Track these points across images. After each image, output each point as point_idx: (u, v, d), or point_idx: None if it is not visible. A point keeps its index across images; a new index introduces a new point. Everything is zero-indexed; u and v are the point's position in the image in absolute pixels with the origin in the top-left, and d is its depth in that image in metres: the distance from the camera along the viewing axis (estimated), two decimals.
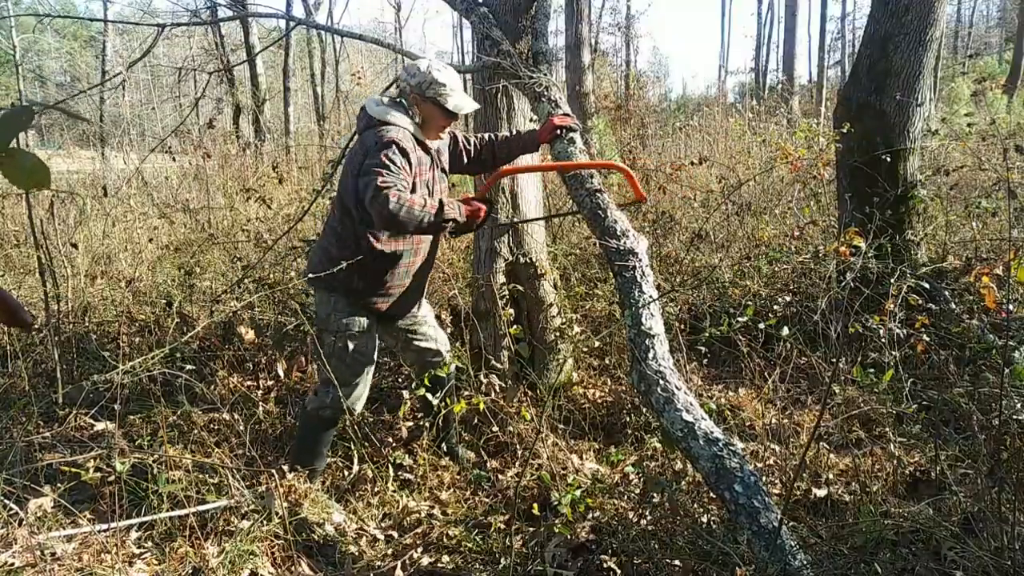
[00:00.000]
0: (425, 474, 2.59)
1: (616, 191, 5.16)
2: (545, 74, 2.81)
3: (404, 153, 2.18)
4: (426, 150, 2.34)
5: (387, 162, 2.13)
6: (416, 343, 2.63)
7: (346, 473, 2.66)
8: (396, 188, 2.07)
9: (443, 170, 2.46)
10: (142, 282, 4.24)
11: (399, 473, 2.63)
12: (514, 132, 2.64)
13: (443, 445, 2.74)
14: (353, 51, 18.15)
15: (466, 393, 2.77)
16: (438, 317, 3.51)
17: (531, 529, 2.27)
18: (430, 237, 2.45)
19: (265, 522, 2.15)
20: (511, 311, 3.07)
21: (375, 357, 2.49)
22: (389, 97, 2.35)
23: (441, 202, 2.15)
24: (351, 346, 2.37)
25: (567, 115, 2.60)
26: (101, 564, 1.95)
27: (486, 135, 2.63)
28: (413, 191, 2.23)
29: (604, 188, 2.39)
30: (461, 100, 2.32)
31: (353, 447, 2.65)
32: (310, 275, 2.37)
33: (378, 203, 2.06)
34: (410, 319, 2.59)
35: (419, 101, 2.29)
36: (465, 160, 2.61)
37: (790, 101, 11.43)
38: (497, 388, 2.85)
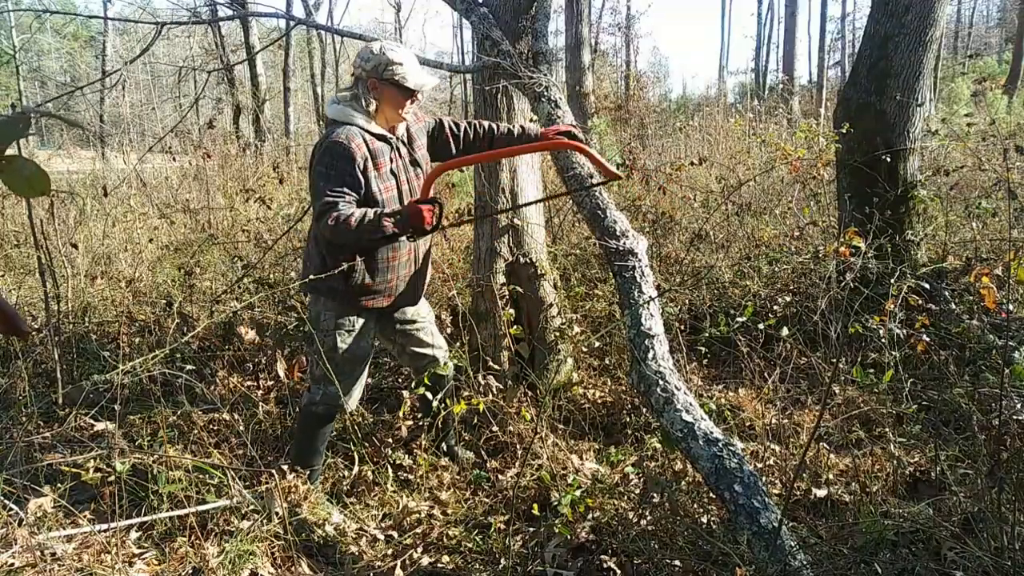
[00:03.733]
0: (425, 474, 2.59)
1: (616, 191, 5.16)
2: (545, 74, 2.81)
3: (347, 156, 2.13)
4: (384, 140, 2.27)
5: (328, 173, 2.13)
6: (412, 348, 2.60)
7: (346, 474, 2.66)
8: (337, 207, 2.09)
9: (414, 161, 2.38)
10: (142, 282, 4.24)
11: (399, 473, 2.63)
12: (516, 128, 2.56)
13: (442, 445, 2.74)
14: (353, 51, 18.13)
15: (466, 393, 2.77)
16: (438, 318, 3.51)
17: (531, 529, 2.27)
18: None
19: (265, 522, 2.15)
20: (511, 311, 3.07)
21: (368, 356, 2.47)
22: (349, 91, 2.29)
23: (379, 216, 2.10)
24: (341, 346, 2.36)
25: (573, 125, 2.53)
26: (101, 564, 1.95)
27: (485, 123, 2.56)
28: (368, 189, 2.20)
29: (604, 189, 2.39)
30: (420, 77, 2.26)
31: (353, 447, 2.65)
32: (301, 280, 2.35)
33: (320, 223, 2.11)
34: (407, 322, 2.56)
35: (376, 85, 2.23)
36: (454, 149, 2.53)
37: (790, 101, 11.44)
38: (495, 389, 2.85)
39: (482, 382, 2.84)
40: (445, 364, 2.67)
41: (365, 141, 2.20)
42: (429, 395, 2.59)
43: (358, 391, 2.50)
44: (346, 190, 2.14)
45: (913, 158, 3.60)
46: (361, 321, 2.39)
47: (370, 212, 2.12)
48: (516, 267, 3.14)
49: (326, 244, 2.28)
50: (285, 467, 2.39)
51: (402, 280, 2.40)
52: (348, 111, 2.23)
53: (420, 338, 2.60)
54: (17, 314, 0.79)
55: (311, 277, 2.23)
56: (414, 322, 2.57)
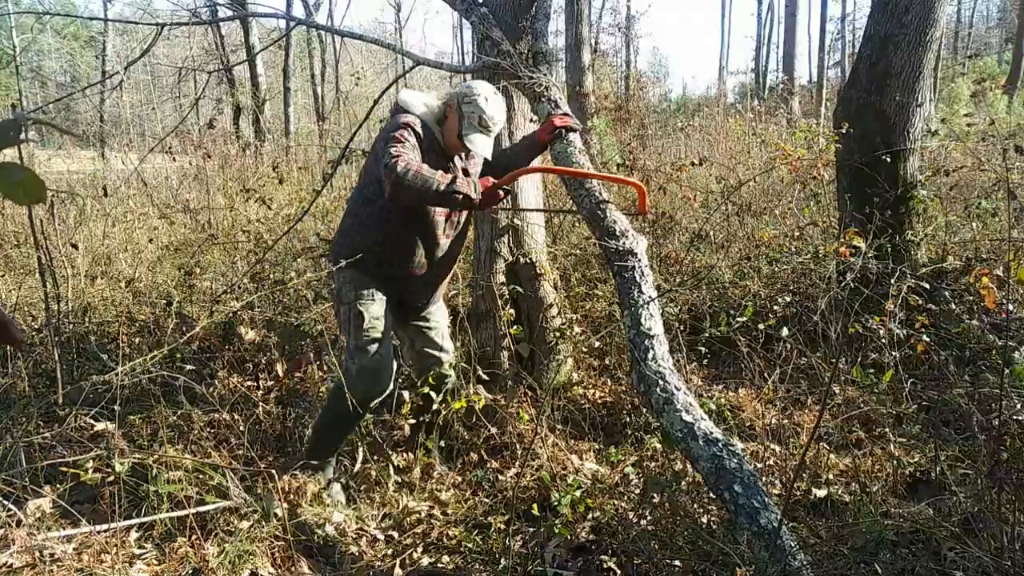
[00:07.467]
0: (425, 475, 2.59)
1: (616, 191, 5.16)
2: (545, 74, 2.81)
3: (416, 135, 2.29)
4: (441, 153, 2.40)
5: (400, 138, 2.24)
6: (421, 347, 2.65)
7: (347, 470, 2.66)
8: (405, 156, 2.18)
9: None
10: (142, 282, 4.24)
11: (399, 474, 2.63)
12: (517, 138, 2.67)
13: (426, 444, 2.72)
14: (353, 51, 18.13)
15: (465, 393, 2.77)
16: None
17: (531, 529, 2.27)
18: (445, 226, 2.46)
19: (265, 522, 2.15)
20: (511, 311, 3.07)
21: (390, 329, 2.47)
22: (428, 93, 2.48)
23: (454, 175, 2.21)
24: (364, 314, 2.39)
25: (567, 115, 2.60)
26: (101, 564, 1.95)
27: (509, 151, 2.69)
28: None
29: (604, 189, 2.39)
30: (478, 136, 2.35)
31: (357, 444, 2.65)
32: (331, 253, 2.49)
33: (387, 169, 2.16)
34: (421, 319, 2.61)
35: (453, 108, 2.38)
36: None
37: (790, 101, 11.43)
38: (495, 390, 2.85)
39: (484, 381, 2.84)
40: (450, 366, 2.69)
41: (425, 133, 2.35)
42: (433, 394, 2.60)
43: (391, 367, 2.47)
44: (412, 148, 2.27)
45: (913, 158, 3.59)
46: (379, 295, 2.43)
47: (440, 172, 2.23)
48: (516, 267, 3.14)
49: (375, 224, 2.38)
50: (296, 466, 2.39)
51: (422, 267, 2.46)
52: (421, 105, 2.40)
53: (432, 338, 2.65)
54: (13, 323, 0.78)
55: (340, 251, 2.38)
56: (428, 321, 2.63)
